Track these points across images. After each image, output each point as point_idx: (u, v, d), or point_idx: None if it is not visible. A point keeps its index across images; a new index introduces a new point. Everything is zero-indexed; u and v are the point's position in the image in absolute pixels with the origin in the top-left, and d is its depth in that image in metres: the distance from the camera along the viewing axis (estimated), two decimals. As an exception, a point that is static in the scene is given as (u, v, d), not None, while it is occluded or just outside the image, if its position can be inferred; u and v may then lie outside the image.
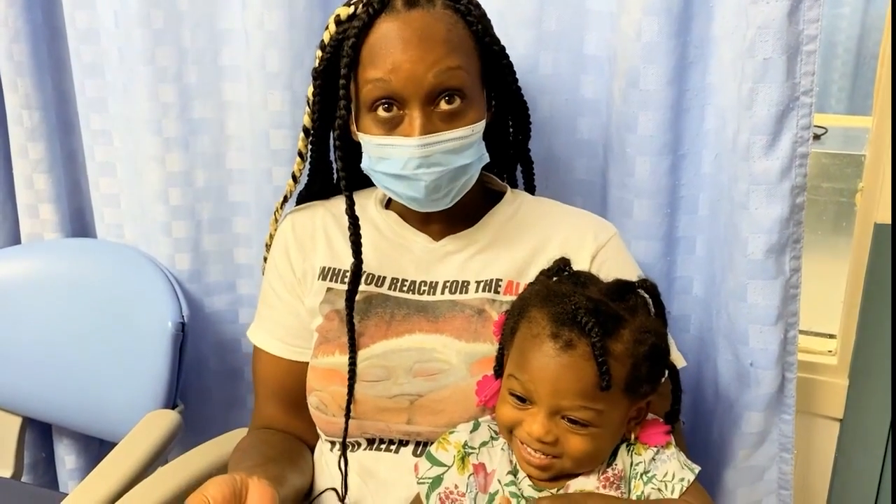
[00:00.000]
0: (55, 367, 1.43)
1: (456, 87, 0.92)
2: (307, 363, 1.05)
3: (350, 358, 0.99)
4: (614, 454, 0.88)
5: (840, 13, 3.17)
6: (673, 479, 0.86)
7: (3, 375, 1.47)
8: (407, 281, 1.03)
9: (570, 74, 1.19)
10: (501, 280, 1.01)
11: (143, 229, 1.44)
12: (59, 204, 1.50)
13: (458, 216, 1.04)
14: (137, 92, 1.33)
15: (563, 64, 1.19)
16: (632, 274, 1.00)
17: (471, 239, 1.04)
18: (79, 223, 1.57)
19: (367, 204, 1.08)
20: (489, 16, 1.01)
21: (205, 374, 1.48)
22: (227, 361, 1.48)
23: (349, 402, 0.98)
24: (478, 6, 0.99)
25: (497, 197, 1.09)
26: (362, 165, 1.00)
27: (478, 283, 1.02)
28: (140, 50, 1.30)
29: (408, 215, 1.06)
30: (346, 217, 1.01)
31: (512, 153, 1.13)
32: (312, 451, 1.09)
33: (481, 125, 0.97)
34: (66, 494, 1.13)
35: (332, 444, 1.03)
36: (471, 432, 0.92)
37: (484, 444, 0.91)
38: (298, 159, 1.09)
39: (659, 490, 0.86)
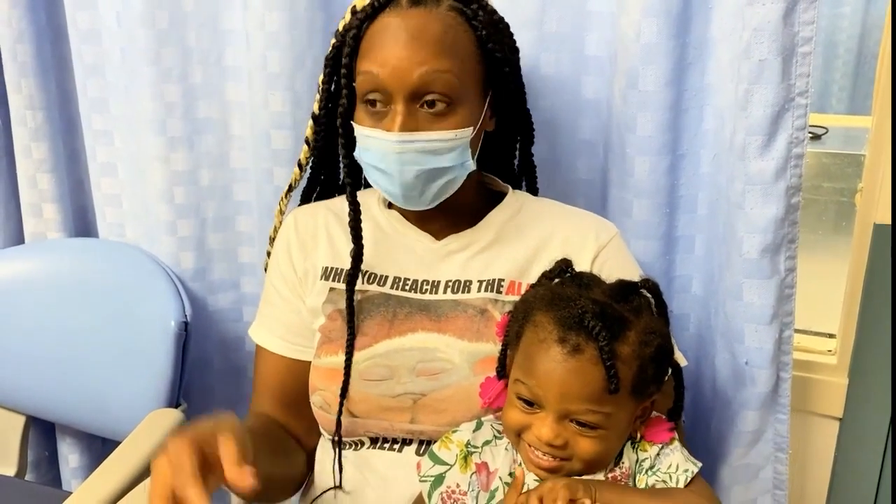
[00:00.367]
0: (58, 365, 1.44)
1: (440, 90, 0.93)
2: (307, 362, 1.05)
3: (348, 343, 1.00)
4: (620, 453, 0.89)
5: (841, 13, 3.17)
6: (677, 470, 0.88)
7: (7, 374, 1.48)
8: (409, 280, 1.04)
9: (571, 75, 1.20)
10: (503, 280, 1.02)
11: (145, 228, 1.45)
12: (62, 203, 1.51)
13: (459, 216, 1.05)
14: (141, 92, 1.34)
15: (564, 64, 1.20)
16: (633, 274, 1.00)
17: (473, 238, 1.05)
18: (82, 223, 1.57)
19: (369, 203, 1.09)
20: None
21: (208, 373, 1.49)
22: (230, 360, 1.49)
23: (344, 391, 0.98)
24: (489, 12, 0.99)
25: (498, 197, 1.09)
26: (354, 154, 1.00)
27: (480, 282, 1.02)
28: (144, 50, 1.31)
29: (409, 215, 1.07)
30: (348, 215, 1.02)
31: (515, 159, 1.13)
32: (308, 453, 1.09)
33: (466, 132, 0.96)
34: (70, 493, 1.13)
35: (341, 444, 1.03)
36: (474, 431, 0.92)
37: (487, 443, 0.91)
38: (305, 147, 1.10)
39: (664, 481, 0.87)
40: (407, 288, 1.03)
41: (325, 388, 1.01)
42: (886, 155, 1.17)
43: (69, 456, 1.61)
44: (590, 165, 1.24)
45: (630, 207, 1.17)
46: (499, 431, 0.92)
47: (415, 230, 1.06)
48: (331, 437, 1.02)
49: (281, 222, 1.14)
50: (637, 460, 0.88)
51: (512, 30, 1.04)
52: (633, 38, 1.09)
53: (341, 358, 1.00)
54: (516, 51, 1.05)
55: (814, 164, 2.11)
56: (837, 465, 1.32)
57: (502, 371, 0.93)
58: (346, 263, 1.04)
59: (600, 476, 0.87)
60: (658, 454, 0.88)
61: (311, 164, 1.13)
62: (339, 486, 1.01)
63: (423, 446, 0.98)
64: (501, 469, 0.89)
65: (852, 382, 1.28)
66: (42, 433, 1.63)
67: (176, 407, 1.36)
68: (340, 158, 1.06)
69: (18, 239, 1.58)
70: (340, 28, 0.99)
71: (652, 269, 1.15)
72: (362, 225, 1.03)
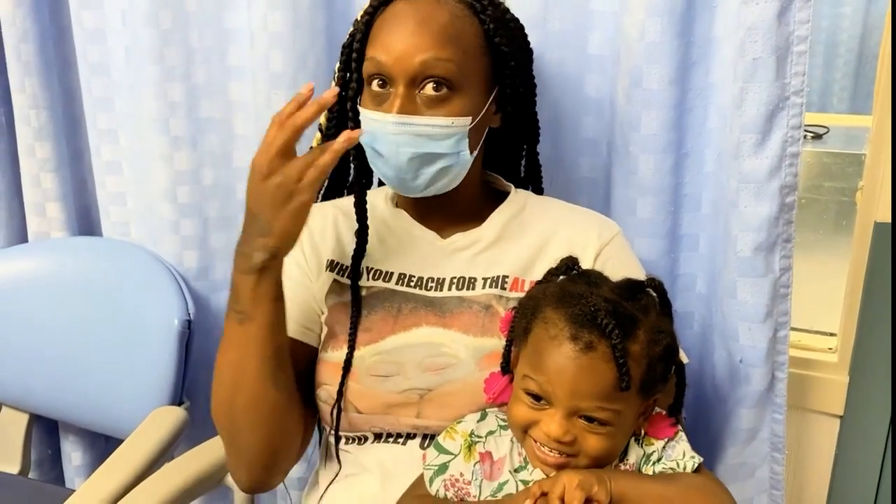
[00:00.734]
0: (62, 364, 1.44)
1: (442, 76, 0.94)
2: (311, 348, 1.05)
3: (350, 334, 1.00)
4: (625, 449, 0.90)
5: (842, 13, 3.17)
6: (684, 457, 0.89)
7: (11, 372, 1.48)
8: (414, 277, 1.04)
9: (575, 74, 1.20)
10: (508, 276, 1.02)
11: (149, 227, 1.45)
12: (65, 202, 1.51)
13: (464, 214, 1.06)
14: (145, 91, 1.34)
15: (568, 63, 1.20)
16: (635, 272, 1.01)
17: (477, 236, 1.05)
18: (85, 221, 1.58)
19: (376, 201, 1.09)
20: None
21: (211, 371, 1.49)
22: (232, 358, 1.49)
23: (342, 384, 0.99)
24: (501, 9, 1.00)
25: (502, 196, 1.10)
26: (361, 139, 1.01)
27: (485, 279, 1.02)
28: (148, 49, 1.31)
29: (415, 212, 1.07)
30: (356, 212, 1.03)
31: (521, 157, 1.14)
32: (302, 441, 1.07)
33: (464, 120, 0.96)
34: (73, 491, 1.13)
35: (339, 438, 1.04)
36: (478, 422, 0.93)
37: (491, 433, 0.92)
38: (318, 134, 1.11)
39: (672, 468, 0.88)
40: (412, 284, 1.04)
41: (330, 383, 1.01)
42: (887, 154, 1.18)
43: (72, 454, 1.61)
44: (593, 164, 1.24)
45: (634, 206, 1.18)
46: (503, 420, 0.93)
47: (420, 228, 1.07)
48: (332, 432, 1.02)
49: None
50: (644, 454, 0.89)
51: (524, 34, 1.04)
52: (637, 37, 1.10)
53: (345, 353, 1.00)
54: (529, 52, 1.06)
55: (815, 163, 2.12)
56: (838, 462, 1.32)
57: (507, 366, 0.93)
58: (351, 259, 1.04)
59: None
60: (665, 447, 0.89)
61: None
62: (338, 469, 1.01)
63: (428, 440, 0.98)
64: (508, 460, 0.89)
65: (853, 380, 1.28)
66: (45, 431, 1.63)
67: (179, 405, 1.37)
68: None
69: (22, 238, 1.58)
70: (359, 17, 1.01)
71: (656, 268, 1.16)
72: (368, 222, 1.04)
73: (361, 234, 1.04)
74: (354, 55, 0.98)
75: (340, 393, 0.99)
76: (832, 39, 3.18)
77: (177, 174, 1.37)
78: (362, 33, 0.97)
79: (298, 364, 1.04)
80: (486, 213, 1.07)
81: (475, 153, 1.00)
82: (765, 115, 1.02)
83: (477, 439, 0.91)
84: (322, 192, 1.15)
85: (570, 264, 0.94)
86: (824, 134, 2.36)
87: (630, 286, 0.89)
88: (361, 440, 1.02)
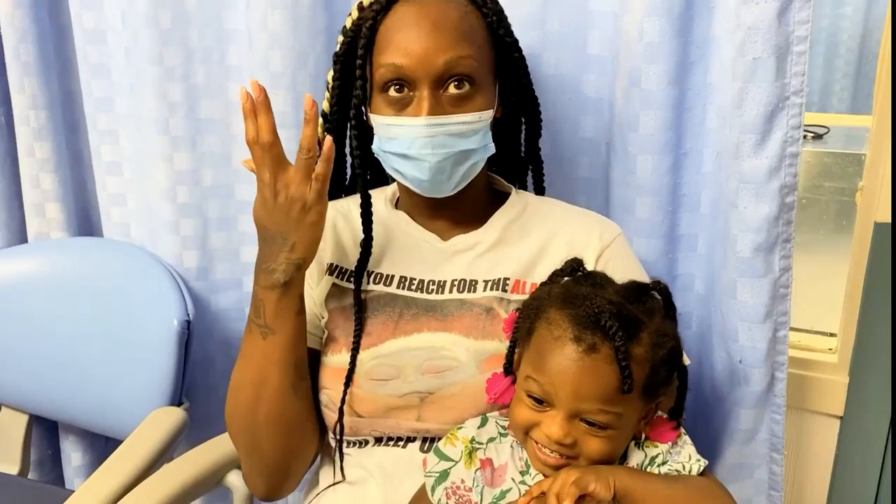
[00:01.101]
0: (61, 364, 1.44)
1: (465, 74, 0.94)
2: (316, 352, 1.05)
3: (355, 338, 1.00)
4: (624, 453, 0.90)
5: (842, 13, 3.17)
6: (690, 459, 0.89)
7: (10, 373, 1.48)
8: (415, 280, 1.04)
9: (574, 74, 1.20)
10: (509, 279, 1.02)
11: (149, 228, 1.45)
12: (65, 203, 1.51)
13: (465, 216, 1.06)
14: (144, 92, 1.34)
15: (567, 64, 1.20)
16: (637, 274, 1.01)
17: (478, 239, 1.05)
18: (85, 222, 1.58)
19: (376, 203, 1.09)
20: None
21: (211, 372, 1.49)
22: (233, 358, 1.46)
23: (346, 387, 0.99)
24: (495, 1, 1.01)
25: (502, 197, 1.10)
26: (373, 147, 1.01)
27: (486, 282, 1.02)
28: (147, 50, 1.31)
29: (416, 215, 1.07)
30: (355, 216, 1.03)
31: (522, 152, 1.14)
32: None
33: (489, 113, 0.98)
34: (72, 491, 1.13)
35: (341, 442, 1.03)
36: (478, 428, 0.92)
37: (491, 440, 0.91)
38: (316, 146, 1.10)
39: (678, 471, 0.88)
40: (413, 288, 1.04)
41: (331, 388, 1.01)
42: (887, 154, 1.17)
43: (72, 454, 1.61)
44: (592, 164, 1.24)
45: (633, 206, 1.18)
46: (503, 428, 0.92)
47: (421, 230, 1.07)
48: (334, 436, 1.02)
49: None
50: (646, 457, 0.89)
51: (514, 29, 1.04)
52: (636, 37, 1.09)
53: (346, 356, 1.00)
54: (517, 39, 1.06)
55: (815, 163, 2.11)
56: (838, 463, 1.32)
57: (509, 367, 0.93)
58: (351, 263, 1.04)
59: None
60: (670, 450, 0.89)
61: None
62: (343, 479, 1.01)
63: (428, 443, 0.98)
64: (510, 467, 0.89)
65: (853, 381, 1.28)
66: (45, 432, 1.63)
67: (178, 406, 1.36)
68: (351, 152, 1.06)
69: (22, 238, 1.58)
70: (348, 25, 1.00)
71: (654, 268, 1.16)
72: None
73: (366, 243, 1.03)
74: (359, 61, 0.97)
75: (343, 399, 0.99)
76: (833, 39, 3.18)
77: (176, 174, 1.37)
78: (367, 38, 0.96)
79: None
80: (486, 215, 1.07)
81: None
82: (764, 116, 1.02)
83: (478, 446, 0.90)
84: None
85: (575, 266, 0.94)
86: (825, 134, 2.36)
87: (635, 289, 0.89)
88: (362, 444, 1.01)
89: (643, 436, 0.90)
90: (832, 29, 3.17)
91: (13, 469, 1.51)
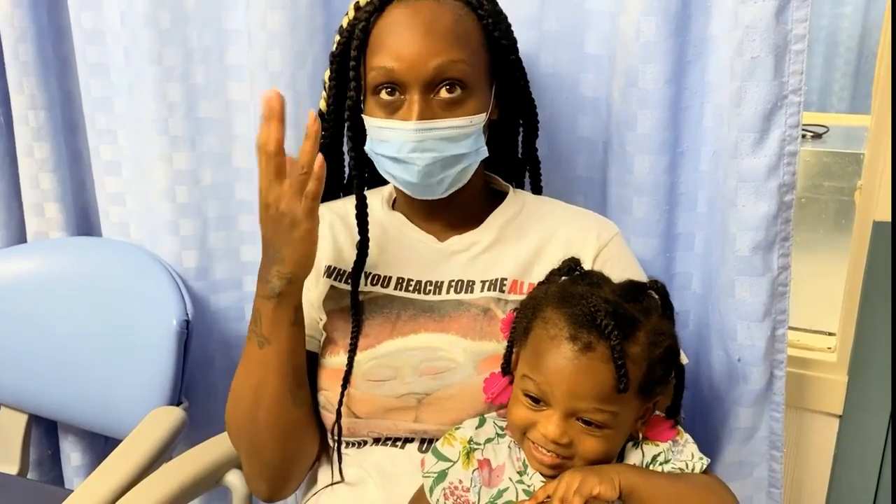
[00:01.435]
0: (61, 364, 1.44)
1: (457, 78, 0.94)
2: (316, 356, 1.05)
3: (352, 340, 1.00)
4: (621, 453, 0.90)
5: (842, 12, 3.17)
6: (693, 458, 0.89)
7: (10, 373, 1.48)
8: (412, 281, 1.04)
9: (571, 73, 1.20)
10: (506, 279, 1.02)
11: (148, 228, 1.45)
12: (64, 203, 1.52)
13: (462, 216, 1.05)
14: (144, 91, 1.34)
15: (564, 63, 1.20)
16: (634, 273, 1.01)
17: (475, 239, 1.05)
18: (84, 222, 1.58)
19: (373, 203, 1.09)
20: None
21: (210, 371, 1.49)
22: (232, 358, 1.49)
23: (343, 389, 0.99)
24: (492, 2, 1.01)
25: (500, 196, 1.10)
26: (366, 148, 1.01)
27: (483, 282, 1.02)
28: (147, 49, 1.31)
29: (413, 216, 1.07)
30: (352, 217, 1.03)
31: (519, 153, 1.14)
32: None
33: (481, 118, 0.98)
34: (72, 491, 1.13)
35: (339, 443, 1.03)
36: (476, 428, 0.92)
37: (489, 440, 0.92)
38: None
39: (681, 469, 0.88)
40: (410, 289, 1.04)
41: (329, 389, 1.01)
42: (885, 153, 1.17)
43: (71, 454, 1.61)
44: (589, 163, 1.24)
45: (630, 205, 1.18)
46: (501, 429, 0.93)
47: (418, 231, 1.07)
48: (332, 437, 1.02)
49: None
50: (646, 456, 0.89)
51: (512, 28, 1.04)
52: (633, 36, 1.10)
53: (344, 358, 1.00)
54: (514, 37, 1.05)
55: (814, 162, 2.11)
56: (837, 461, 1.32)
57: (507, 367, 0.93)
58: (349, 265, 1.04)
59: None
60: (671, 448, 0.89)
61: None
62: (341, 480, 1.01)
63: (426, 444, 0.98)
64: (508, 467, 0.89)
65: (852, 380, 1.28)
66: (44, 432, 1.63)
67: (177, 405, 1.36)
68: (347, 152, 1.06)
69: (21, 238, 1.58)
70: (345, 24, 1.00)
71: (651, 267, 1.16)
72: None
73: (363, 245, 1.03)
74: (352, 62, 0.97)
75: (340, 402, 0.99)
76: (832, 39, 3.18)
77: (176, 174, 1.37)
78: (360, 40, 0.96)
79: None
80: (483, 215, 1.07)
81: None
82: (763, 114, 1.02)
83: (475, 446, 0.91)
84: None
85: (572, 265, 0.94)
86: (824, 133, 2.35)
87: (632, 288, 0.89)
88: (361, 444, 1.01)
89: (640, 435, 0.90)
90: (831, 28, 3.17)
91: (12, 469, 1.51)
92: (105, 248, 1.51)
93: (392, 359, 0.99)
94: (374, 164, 1.02)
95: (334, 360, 1.01)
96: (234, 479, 1.17)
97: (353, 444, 1.02)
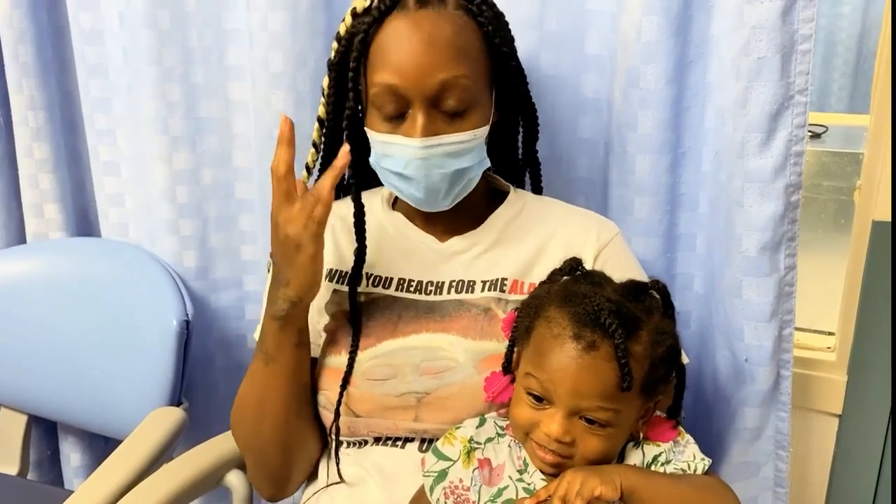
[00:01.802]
0: (60, 365, 1.44)
1: (459, 94, 0.93)
2: (313, 359, 1.05)
3: (353, 342, 1.00)
4: (622, 454, 0.90)
5: (840, 12, 3.17)
6: (695, 459, 0.89)
7: (9, 374, 1.48)
8: (413, 281, 1.04)
9: (572, 74, 1.20)
10: (507, 279, 1.02)
11: (148, 228, 1.45)
12: (63, 203, 1.52)
13: (463, 217, 1.05)
14: (143, 92, 1.34)
15: (565, 63, 1.20)
16: (635, 273, 1.01)
17: (476, 239, 1.05)
18: (83, 222, 1.58)
19: (373, 204, 1.09)
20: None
21: (211, 371, 1.49)
22: (232, 358, 1.49)
23: (343, 388, 0.99)
24: (492, 6, 0.99)
25: (500, 196, 1.10)
26: (370, 160, 1.01)
27: (484, 282, 1.02)
28: (146, 50, 1.31)
29: (413, 216, 1.07)
30: (353, 217, 1.02)
31: (520, 155, 1.14)
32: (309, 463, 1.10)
33: (484, 130, 0.97)
34: (72, 492, 1.13)
35: (339, 442, 1.04)
36: (477, 427, 0.93)
37: (489, 440, 0.92)
38: (312, 150, 1.10)
39: (683, 470, 0.88)
40: (412, 290, 1.04)
41: (328, 389, 1.01)
42: (884, 152, 1.17)
43: (71, 455, 1.61)
44: (590, 164, 1.24)
45: (631, 205, 1.18)
46: (502, 428, 0.93)
47: (419, 232, 1.07)
48: (332, 436, 1.03)
49: None
50: (647, 457, 0.89)
51: (512, 29, 1.04)
52: (634, 36, 1.10)
53: (345, 358, 1.01)
54: (513, 40, 1.04)
55: (813, 162, 2.11)
56: (837, 461, 1.32)
57: (508, 366, 0.93)
58: (350, 266, 1.04)
59: None
60: (673, 448, 0.89)
61: (318, 167, 1.13)
62: (341, 481, 1.01)
63: (426, 444, 0.98)
64: (508, 466, 0.89)
65: (851, 379, 1.28)
66: (44, 432, 1.63)
67: (177, 405, 1.36)
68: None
69: (20, 239, 1.58)
70: (342, 31, 0.99)
71: (653, 267, 1.16)
72: (367, 227, 1.04)
73: (360, 253, 1.03)
74: (351, 73, 0.96)
75: (339, 401, 0.99)
76: (831, 39, 3.17)
77: (176, 174, 1.37)
78: (359, 52, 0.95)
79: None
80: (484, 215, 1.07)
81: None
82: (769, 115, 1.02)
83: (476, 445, 0.91)
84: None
85: (574, 265, 0.94)
86: (823, 133, 2.35)
87: (634, 287, 0.90)
88: (361, 444, 1.02)
89: (641, 435, 0.90)
90: (830, 28, 3.17)
91: (12, 470, 1.51)
92: (104, 249, 1.51)
93: (392, 358, 0.99)
94: (379, 176, 1.02)
95: (336, 360, 1.02)
96: (234, 479, 1.17)
97: (354, 444, 1.02)
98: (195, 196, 1.39)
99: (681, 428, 0.92)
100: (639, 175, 1.16)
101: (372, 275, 1.05)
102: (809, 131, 2.44)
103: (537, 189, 1.16)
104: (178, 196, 1.38)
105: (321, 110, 1.07)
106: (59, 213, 1.51)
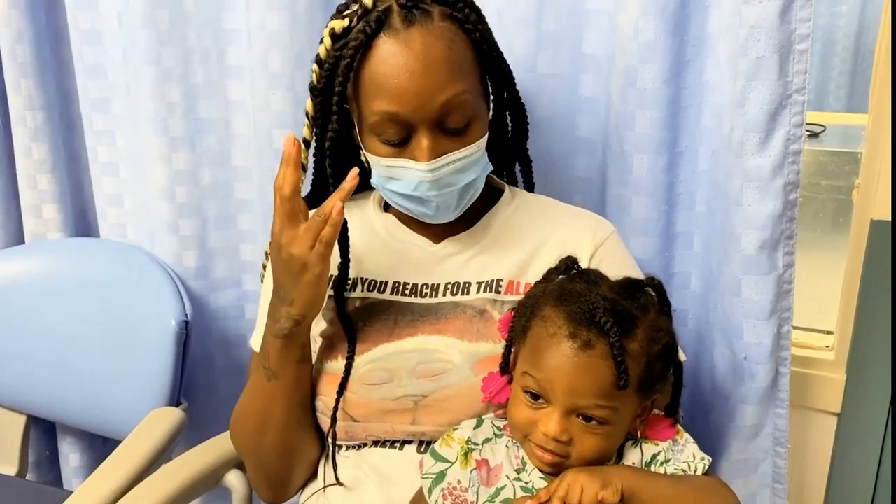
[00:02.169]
0: (59, 365, 1.44)
1: (462, 113, 0.93)
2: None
3: (349, 350, 1.00)
4: (620, 453, 0.90)
5: (838, 11, 3.17)
6: (694, 458, 0.89)
7: (8, 374, 1.48)
8: (408, 285, 1.04)
9: (569, 73, 1.20)
10: (502, 280, 1.02)
11: (147, 228, 1.46)
12: (62, 204, 1.52)
13: (458, 218, 1.05)
14: (142, 92, 1.34)
15: (562, 63, 1.20)
16: (630, 271, 1.01)
17: (470, 240, 1.05)
18: (82, 223, 1.58)
19: (365, 206, 1.09)
20: (487, 16, 1.00)
21: (210, 371, 1.50)
22: (232, 358, 1.49)
23: (339, 395, 0.99)
24: (474, 8, 0.97)
25: (495, 195, 1.09)
26: (372, 182, 1.00)
27: (479, 283, 1.02)
28: (145, 50, 1.31)
29: (406, 219, 1.06)
30: (348, 226, 1.02)
31: (510, 153, 1.14)
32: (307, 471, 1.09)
33: (485, 138, 0.97)
34: (71, 492, 1.13)
35: (337, 447, 1.03)
36: (474, 428, 0.93)
37: (487, 440, 0.92)
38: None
39: (683, 470, 0.88)
40: (407, 293, 1.03)
41: (326, 394, 1.01)
42: (883, 151, 1.18)
43: (70, 455, 1.61)
44: (588, 163, 1.24)
45: (629, 205, 1.18)
46: (499, 429, 0.93)
47: (412, 234, 1.06)
48: (330, 441, 1.03)
49: None
50: (645, 456, 0.89)
51: (509, 28, 1.04)
52: (632, 36, 1.10)
53: (342, 363, 1.00)
54: (493, 34, 1.01)
55: (811, 161, 2.12)
56: (836, 460, 1.33)
57: (505, 366, 0.93)
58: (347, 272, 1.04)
59: None
60: (671, 447, 0.90)
61: (308, 184, 1.12)
62: (338, 482, 1.01)
63: (424, 446, 0.98)
64: (505, 465, 0.89)
65: (850, 378, 1.28)
66: (43, 433, 1.63)
67: (177, 406, 1.36)
68: (332, 184, 1.01)
69: (18, 239, 1.58)
70: (322, 55, 0.96)
71: (650, 266, 1.16)
72: (359, 231, 1.04)
73: (343, 267, 1.02)
74: (336, 98, 0.94)
75: (335, 408, 0.99)
76: (829, 38, 3.18)
77: (175, 174, 1.37)
78: (344, 77, 0.92)
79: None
80: (478, 215, 1.06)
81: None
82: (768, 114, 1.03)
83: (473, 446, 0.91)
84: (310, 196, 1.14)
85: (569, 264, 0.94)
86: (821, 132, 2.36)
87: (629, 285, 0.90)
88: (359, 446, 1.02)
89: (639, 434, 0.90)
90: (828, 27, 3.17)
91: (11, 470, 1.51)
92: (103, 249, 1.51)
93: (388, 361, 0.99)
94: (386, 199, 1.01)
95: (333, 366, 1.01)
96: (233, 479, 1.17)
97: (352, 447, 1.02)
98: (194, 196, 1.39)
99: (679, 426, 0.92)
100: (636, 174, 1.16)
101: (367, 279, 1.05)
102: (807, 130, 2.45)
103: (529, 186, 1.15)
104: (177, 196, 1.38)
105: (305, 132, 1.05)
106: (58, 214, 1.51)
